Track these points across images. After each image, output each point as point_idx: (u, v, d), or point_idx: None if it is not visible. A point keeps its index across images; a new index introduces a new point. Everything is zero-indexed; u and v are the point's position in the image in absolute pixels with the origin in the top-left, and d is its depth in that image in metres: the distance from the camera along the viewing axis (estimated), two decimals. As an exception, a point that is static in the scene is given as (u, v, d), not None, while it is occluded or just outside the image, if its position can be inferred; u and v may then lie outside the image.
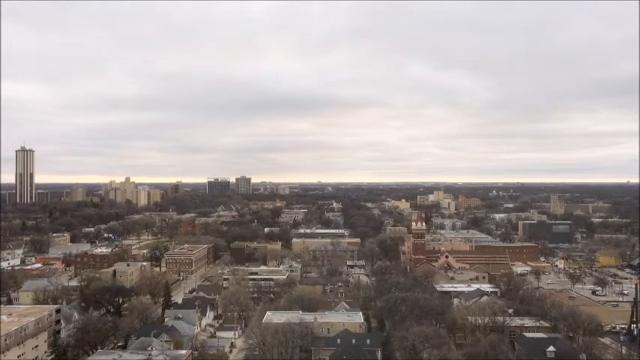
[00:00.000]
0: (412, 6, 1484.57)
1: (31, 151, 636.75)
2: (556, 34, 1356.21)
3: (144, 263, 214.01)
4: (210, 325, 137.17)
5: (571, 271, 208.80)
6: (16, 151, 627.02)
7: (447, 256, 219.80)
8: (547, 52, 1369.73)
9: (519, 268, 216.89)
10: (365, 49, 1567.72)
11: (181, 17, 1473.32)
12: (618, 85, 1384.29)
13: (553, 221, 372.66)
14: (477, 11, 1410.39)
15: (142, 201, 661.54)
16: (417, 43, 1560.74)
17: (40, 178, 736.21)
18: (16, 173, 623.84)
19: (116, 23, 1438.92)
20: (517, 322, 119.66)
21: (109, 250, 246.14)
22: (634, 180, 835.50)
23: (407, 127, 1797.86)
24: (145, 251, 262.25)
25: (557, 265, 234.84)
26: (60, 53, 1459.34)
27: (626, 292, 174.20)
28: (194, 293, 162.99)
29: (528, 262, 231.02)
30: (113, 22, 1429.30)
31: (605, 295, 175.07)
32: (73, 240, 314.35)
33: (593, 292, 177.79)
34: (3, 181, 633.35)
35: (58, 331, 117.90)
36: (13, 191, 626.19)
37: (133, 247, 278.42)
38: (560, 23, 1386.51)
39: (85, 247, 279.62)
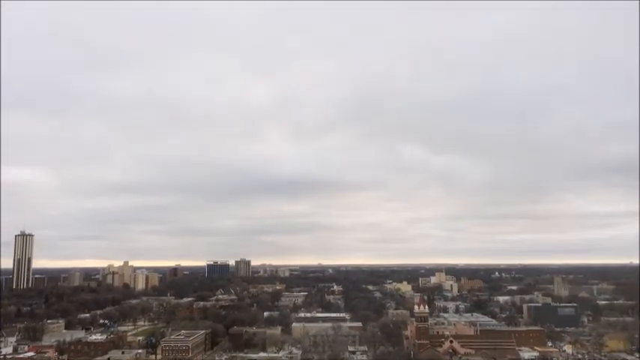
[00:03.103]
0: (403, 93, 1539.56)
1: (31, 235, 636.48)
2: (542, 121, 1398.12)
3: (139, 351, 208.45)
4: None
5: (580, 356, 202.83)
6: (16, 236, 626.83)
7: (451, 341, 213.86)
8: (536, 136, 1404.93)
9: (526, 353, 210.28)
10: (360, 134, 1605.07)
11: (183, 106, 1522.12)
12: (608, 167, 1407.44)
13: (558, 304, 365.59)
14: (464, 98, 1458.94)
15: (140, 285, 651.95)
16: (410, 127, 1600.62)
17: (39, 263, 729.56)
18: (14, 258, 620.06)
19: (119, 112, 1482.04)
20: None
21: (104, 337, 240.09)
22: (636, 261, 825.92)
23: (405, 208, 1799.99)
24: (140, 338, 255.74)
25: (564, 350, 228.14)
26: (62, 140, 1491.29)
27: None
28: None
29: (535, 347, 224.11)
30: (116, 111, 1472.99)
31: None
32: (68, 326, 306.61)
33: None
34: (2, 266, 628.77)
35: None
36: (11, 276, 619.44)
37: (128, 334, 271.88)
38: (546, 110, 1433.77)
39: (79, 333, 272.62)
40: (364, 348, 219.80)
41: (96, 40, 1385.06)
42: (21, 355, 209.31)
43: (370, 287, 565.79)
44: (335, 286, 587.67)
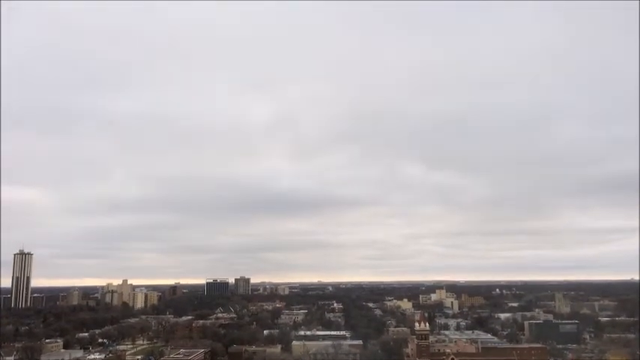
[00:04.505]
0: (402, 110, 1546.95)
1: (30, 254, 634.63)
2: (543, 135, 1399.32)
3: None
4: None
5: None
6: (14, 255, 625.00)
7: (452, 359, 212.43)
8: (536, 151, 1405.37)
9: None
10: (359, 151, 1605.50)
11: (182, 123, 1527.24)
12: (608, 183, 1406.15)
13: (560, 321, 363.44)
14: (464, 114, 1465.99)
15: (139, 304, 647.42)
16: (410, 144, 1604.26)
17: (37, 282, 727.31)
18: (13, 277, 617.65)
19: (120, 131, 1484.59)
20: None
21: (103, 356, 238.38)
22: (637, 277, 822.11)
23: (405, 225, 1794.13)
24: (139, 357, 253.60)
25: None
26: (62, 158, 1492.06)
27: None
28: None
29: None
30: (117, 129, 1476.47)
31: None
32: (67, 346, 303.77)
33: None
34: (1, 285, 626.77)
35: None
36: (9, 295, 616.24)
37: (127, 353, 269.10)
38: (547, 124, 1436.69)
39: (78, 353, 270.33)
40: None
41: (95, 58, 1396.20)
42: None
43: (370, 305, 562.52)
44: (335, 304, 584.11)
